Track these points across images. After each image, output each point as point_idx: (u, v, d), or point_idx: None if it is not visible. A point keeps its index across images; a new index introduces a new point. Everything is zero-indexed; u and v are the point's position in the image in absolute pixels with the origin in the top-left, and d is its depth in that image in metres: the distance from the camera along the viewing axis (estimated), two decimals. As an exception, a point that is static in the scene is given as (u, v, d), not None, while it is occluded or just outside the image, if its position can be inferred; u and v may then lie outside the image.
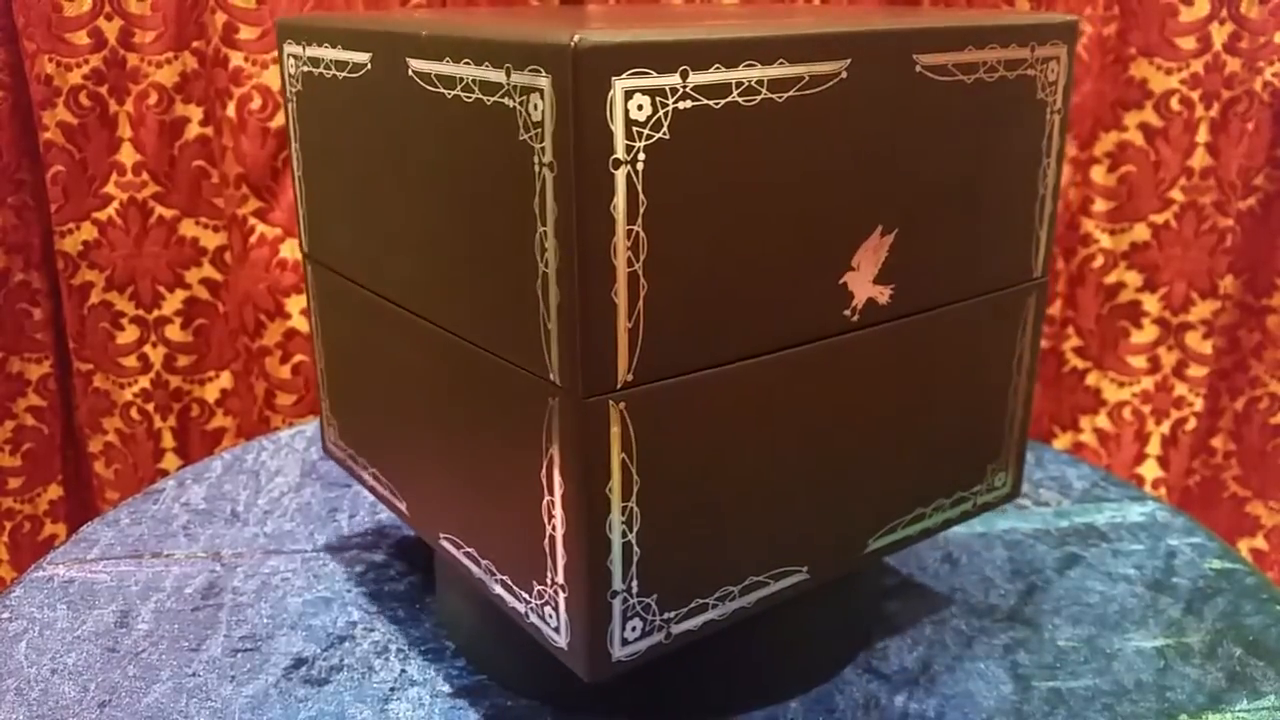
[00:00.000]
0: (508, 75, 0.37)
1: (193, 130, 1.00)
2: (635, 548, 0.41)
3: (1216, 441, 1.10)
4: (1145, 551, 0.65)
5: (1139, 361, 1.10)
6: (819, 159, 0.41)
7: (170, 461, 1.09)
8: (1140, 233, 1.06)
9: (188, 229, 1.03)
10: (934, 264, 0.47)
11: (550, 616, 0.43)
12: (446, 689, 0.53)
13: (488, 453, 0.44)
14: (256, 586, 0.61)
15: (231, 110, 1.00)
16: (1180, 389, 1.10)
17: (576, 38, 0.34)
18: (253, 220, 1.04)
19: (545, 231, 0.37)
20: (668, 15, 0.52)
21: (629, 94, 0.35)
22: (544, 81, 0.35)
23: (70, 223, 0.99)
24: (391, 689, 0.53)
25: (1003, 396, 0.53)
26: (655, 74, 0.36)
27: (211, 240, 1.04)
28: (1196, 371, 1.09)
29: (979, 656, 0.55)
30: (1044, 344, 1.11)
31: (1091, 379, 1.12)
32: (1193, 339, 1.08)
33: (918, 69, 0.43)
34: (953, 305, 0.48)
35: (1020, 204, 0.50)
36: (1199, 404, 1.09)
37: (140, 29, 0.96)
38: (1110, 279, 1.08)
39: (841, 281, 0.43)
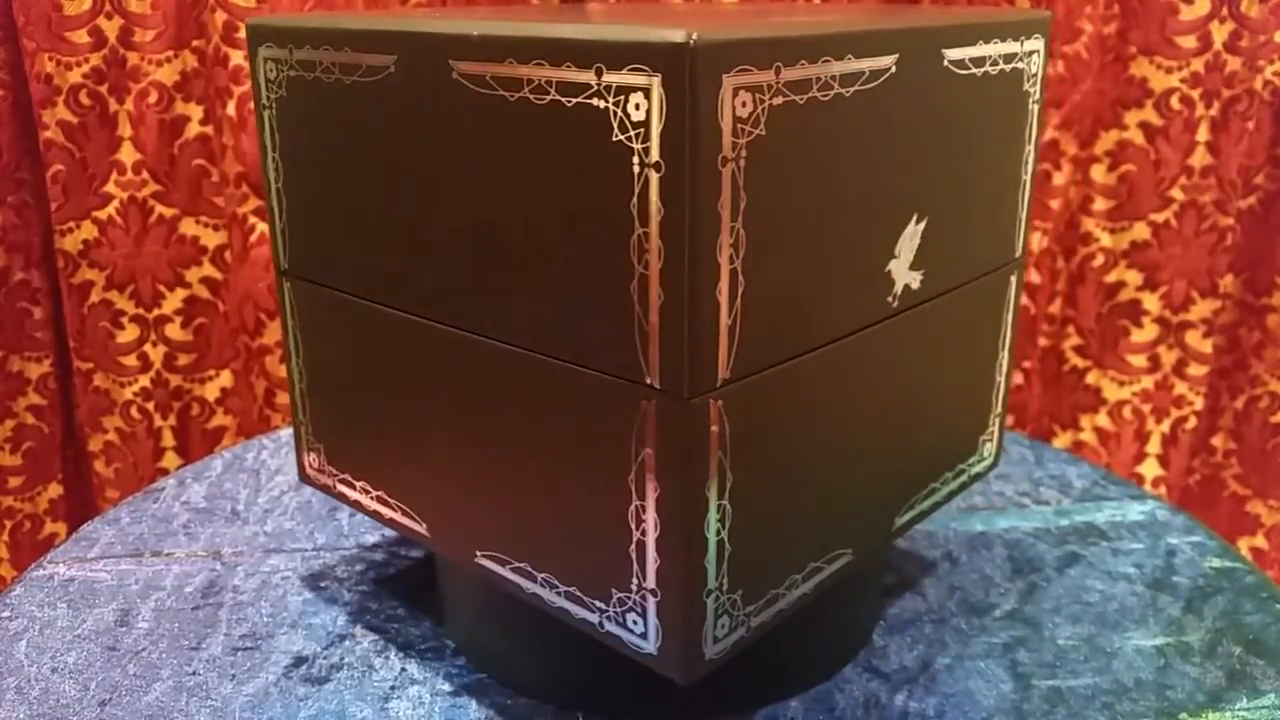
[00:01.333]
0: (598, 75, 0.36)
1: (193, 129, 1.00)
2: (727, 544, 0.41)
3: (1216, 440, 1.10)
4: (1145, 550, 0.65)
5: (1139, 360, 1.10)
6: (873, 150, 0.42)
7: (170, 460, 1.09)
8: (1140, 231, 1.06)
9: (188, 228, 1.03)
10: (949, 248, 0.49)
11: (635, 623, 0.42)
12: (446, 687, 0.53)
13: (552, 463, 0.43)
14: (257, 585, 0.61)
15: (232, 109, 1.00)
16: (1180, 388, 1.10)
17: (694, 36, 0.34)
18: (253, 219, 1.04)
19: (646, 233, 0.36)
20: (675, 14, 0.52)
21: (736, 91, 0.35)
22: (650, 81, 0.35)
23: (70, 221, 0.99)
24: (392, 687, 0.53)
25: (991, 370, 0.56)
26: (755, 70, 0.36)
27: (211, 239, 1.04)
28: (1197, 370, 1.09)
29: (979, 655, 0.55)
30: (1044, 343, 1.11)
31: (1092, 378, 1.12)
32: (1193, 338, 1.08)
33: (945, 63, 0.45)
34: (962, 286, 0.51)
35: (1009, 189, 0.53)
36: (1199, 403, 1.09)
37: (140, 28, 0.96)
38: (1110, 278, 1.08)
39: (887, 269, 0.45)
